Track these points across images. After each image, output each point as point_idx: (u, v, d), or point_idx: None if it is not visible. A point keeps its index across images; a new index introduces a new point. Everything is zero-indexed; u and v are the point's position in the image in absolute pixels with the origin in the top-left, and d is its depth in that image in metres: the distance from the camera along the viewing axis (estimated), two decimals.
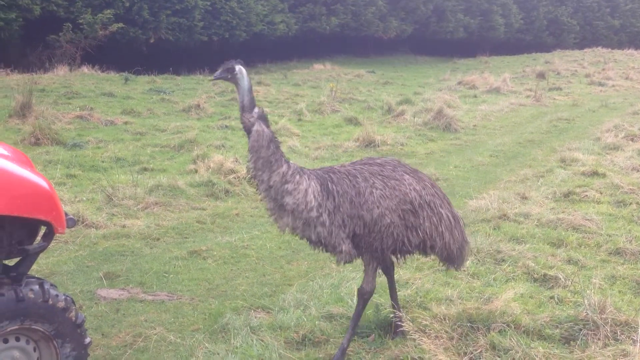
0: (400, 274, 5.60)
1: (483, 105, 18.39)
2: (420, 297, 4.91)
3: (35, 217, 3.21)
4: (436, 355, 3.97)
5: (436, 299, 4.90)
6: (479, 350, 4.10)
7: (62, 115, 12.74)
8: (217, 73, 3.85)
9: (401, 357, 4.06)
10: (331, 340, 4.49)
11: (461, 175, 10.27)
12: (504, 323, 4.39)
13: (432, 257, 4.47)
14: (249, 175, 3.96)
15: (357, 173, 4.05)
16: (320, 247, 4.05)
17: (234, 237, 6.91)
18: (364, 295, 4.20)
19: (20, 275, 3.28)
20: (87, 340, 3.44)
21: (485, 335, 4.23)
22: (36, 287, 3.22)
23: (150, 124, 13.01)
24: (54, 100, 14.38)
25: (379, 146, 12.14)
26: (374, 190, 3.98)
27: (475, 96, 20.57)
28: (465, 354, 4.08)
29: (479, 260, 5.91)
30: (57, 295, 3.29)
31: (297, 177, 3.85)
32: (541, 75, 26.22)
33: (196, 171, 9.29)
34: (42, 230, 3.54)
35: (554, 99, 20.79)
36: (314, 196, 3.85)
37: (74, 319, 3.34)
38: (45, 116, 11.89)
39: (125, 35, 23.35)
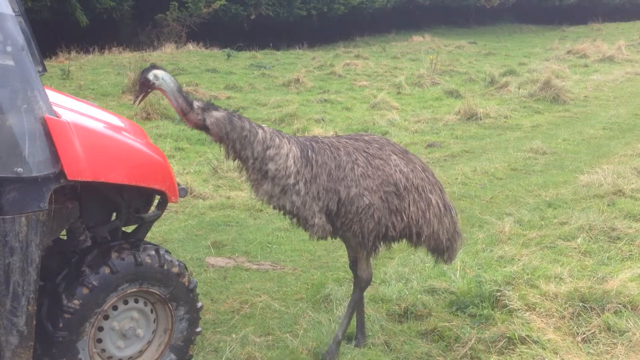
0: (505, 249, 5.44)
1: (595, 75, 17.32)
2: (528, 274, 4.73)
3: (151, 186, 3.36)
4: (546, 334, 3.82)
5: (545, 277, 4.70)
6: (592, 331, 3.92)
7: None
8: (136, 93, 3.59)
9: (508, 335, 3.95)
10: (433, 314, 4.45)
11: (571, 149, 9.76)
12: (619, 304, 4.16)
13: (420, 247, 4.05)
14: (234, 162, 3.69)
15: (341, 146, 3.76)
16: (294, 219, 3.77)
17: None
18: (361, 284, 4.00)
19: (137, 241, 3.47)
20: (199, 304, 3.60)
21: (600, 316, 4.04)
22: (152, 252, 3.39)
23: (252, 99, 13.30)
24: None
25: (481, 119, 11.78)
26: (355, 167, 3.68)
27: (586, 65, 19.38)
28: (577, 334, 3.91)
29: (591, 237, 5.62)
30: (171, 261, 3.45)
31: (277, 140, 3.59)
32: None
33: None
34: (156, 199, 3.71)
35: None
36: (294, 161, 3.59)
37: (187, 283, 3.49)
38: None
39: (227, 12, 23.91)
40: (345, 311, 4.09)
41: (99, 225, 3.48)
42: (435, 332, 4.22)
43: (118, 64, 16.30)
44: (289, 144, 3.63)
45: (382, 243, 3.95)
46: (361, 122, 11.30)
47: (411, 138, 10.44)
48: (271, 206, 3.75)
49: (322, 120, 11.28)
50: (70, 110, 3.28)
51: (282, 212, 3.77)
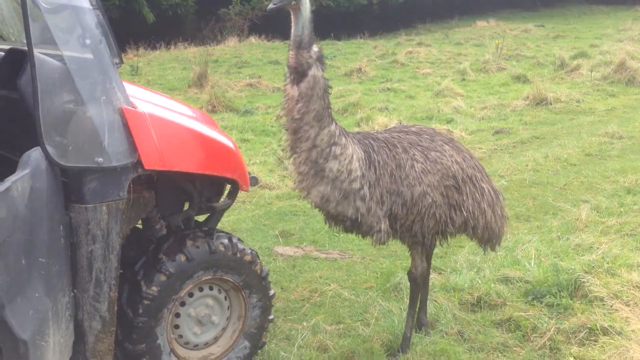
0: (582, 238, 5.23)
1: None
2: (608, 263, 4.53)
3: (223, 175, 3.40)
4: (630, 325, 3.65)
5: (626, 265, 4.50)
6: None
7: (234, 83, 13.50)
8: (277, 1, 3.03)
9: (589, 325, 3.79)
10: (508, 303, 4.33)
11: None
12: None
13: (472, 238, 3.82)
14: (286, 129, 3.23)
15: (397, 142, 3.46)
16: (354, 226, 3.42)
17: None
18: (416, 280, 3.77)
19: (211, 229, 3.52)
20: (271, 292, 3.62)
21: None
22: (226, 240, 3.43)
23: None
24: (226, 70, 15.27)
25: (551, 104, 11.40)
26: (415, 164, 3.40)
27: None
28: None
29: None
30: (244, 249, 3.48)
31: (344, 139, 3.22)
32: None
33: None
34: (227, 188, 3.75)
35: None
36: (359, 164, 3.24)
37: (259, 271, 3.52)
38: (220, 85, 12.67)
39: None
40: (407, 310, 3.95)
41: (173, 214, 3.55)
42: (510, 322, 4.11)
43: (183, 59, 16.69)
44: (353, 144, 3.30)
45: (440, 240, 3.79)
46: (425, 110, 11.13)
47: (477, 125, 10.20)
48: (322, 211, 3.40)
49: (386, 109, 11.17)
50: (145, 101, 3.35)
51: (336, 218, 3.41)
